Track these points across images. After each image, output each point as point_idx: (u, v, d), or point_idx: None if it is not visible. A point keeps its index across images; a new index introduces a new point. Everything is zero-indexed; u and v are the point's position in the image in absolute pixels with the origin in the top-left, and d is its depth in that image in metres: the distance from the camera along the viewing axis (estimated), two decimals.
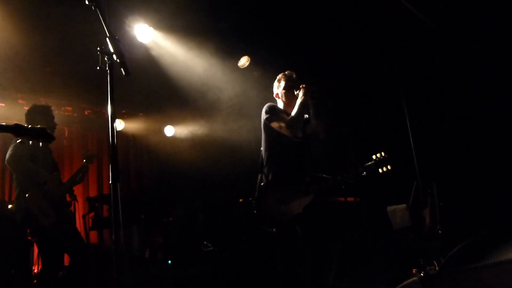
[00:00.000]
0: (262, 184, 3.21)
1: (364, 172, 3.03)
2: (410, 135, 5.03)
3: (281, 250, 3.13)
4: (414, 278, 1.72)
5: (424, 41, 4.86)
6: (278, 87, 3.50)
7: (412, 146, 5.02)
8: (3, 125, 1.89)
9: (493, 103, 4.52)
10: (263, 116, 3.33)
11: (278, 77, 3.52)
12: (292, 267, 3.10)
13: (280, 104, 3.48)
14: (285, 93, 3.41)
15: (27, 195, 3.25)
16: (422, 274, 1.74)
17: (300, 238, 3.09)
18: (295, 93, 3.28)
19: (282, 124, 3.20)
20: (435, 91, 5.05)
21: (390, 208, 4.93)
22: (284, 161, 3.19)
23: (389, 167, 2.99)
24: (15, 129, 1.92)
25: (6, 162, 3.33)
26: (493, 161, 4.51)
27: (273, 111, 3.31)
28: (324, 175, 3.16)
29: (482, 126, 4.63)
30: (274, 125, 3.24)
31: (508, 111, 4.38)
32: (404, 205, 4.81)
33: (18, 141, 3.44)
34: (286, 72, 3.50)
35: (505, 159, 4.37)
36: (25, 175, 3.34)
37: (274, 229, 3.10)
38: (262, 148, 3.39)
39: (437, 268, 3.07)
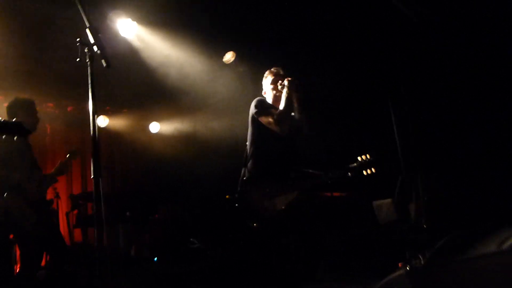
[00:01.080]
0: (245, 178, 3.19)
1: (349, 173, 3.04)
2: (395, 129, 5.06)
3: (265, 246, 3.13)
4: (401, 272, 1.71)
5: (407, 35, 4.88)
6: (266, 84, 3.49)
7: (397, 140, 5.05)
8: None
9: (480, 96, 4.56)
10: (252, 110, 3.32)
11: (265, 74, 3.52)
12: (277, 262, 3.10)
13: (269, 101, 3.47)
14: (272, 88, 3.40)
15: (5, 195, 3.16)
16: (408, 268, 1.74)
17: (282, 233, 3.09)
18: (279, 87, 3.27)
19: (271, 119, 3.20)
20: (421, 84, 5.08)
21: (376, 203, 4.95)
22: (269, 156, 3.18)
23: (373, 169, 2.99)
24: None
25: None
26: (478, 155, 4.55)
27: (262, 106, 3.31)
28: (310, 171, 3.15)
29: (466, 119, 4.68)
30: (263, 119, 3.23)
31: (491, 105, 4.43)
32: (390, 200, 4.84)
33: None
34: (273, 69, 3.49)
35: (490, 153, 4.42)
36: (6, 175, 3.24)
37: (255, 224, 3.06)
38: (247, 143, 3.37)
39: (422, 261, 3.09)
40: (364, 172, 2.98)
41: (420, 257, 3.42)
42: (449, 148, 4.87)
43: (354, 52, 5.32)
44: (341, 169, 3.07)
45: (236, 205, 3.13)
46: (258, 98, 3.39)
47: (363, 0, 4.67)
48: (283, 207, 2.98)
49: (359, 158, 3.02)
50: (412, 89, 5.10)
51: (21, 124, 1.93)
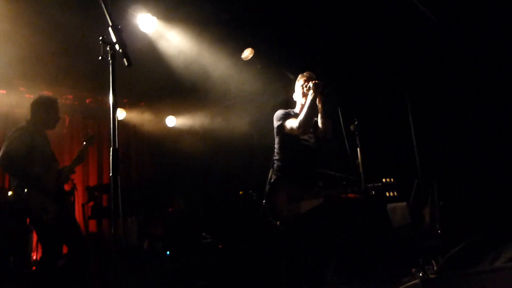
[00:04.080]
0: (272, 180, 3.29)
1: (373, 192, 3.14)
2: (413, 133, 5.01)
3: (285, 245, 3.24)
4: (416, 281, 1.71)
5: (428, 39, 4.81)
6: (297, 87, 3.51)
7: (414, 143, 5.00)
8: None
9: (497, 103, 4.49)
10: (275, 123, 3.40)
11: (298, 77, 3.52)
12: (294, 261, 3.17)
13: (298, 105, 3.50)
14: (301, 92, 3.43)
15: (25, 190, 3.22)
16: (421, 275, 1.73)
17: (303, 235, 3.17)
18: (305, 90, 3.28)
19: (294, 125, 3.24)
20: (439, 89, 5.01)
21: (390, 206, 4.92)
22: (295, 162, 3.27)
23: (395, 193, 3.12)
24: None
25: (2, 151, 3.28)
26: (495, 162, 4.48)
27: (282, 116, 3.37)
28: (338, 174, 3.23)
29: (485, 126, 4.60)
30: (286, 128, 3.31)
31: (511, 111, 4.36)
32: (404, 203, 4.80)
33: (17, 129, 3.41)
34: (305, 73, 3.49)
35: (507, 160, 4.35)
36: (19, 176, 3.30)
37: (278, 223, 3.18)
38: (275, 148, 3.44)
39: (435, 268, 3.07)
40: (387, 194, 3.05)
41: (434, 263, 3.40)
42: (467, 154, 4.80)
43: (373, 50, 5.27)
44: (366, 184, 3.16)
45: (263, 202, 3.26)
46: (278, 110, 3.44)
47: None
48: (306, 211, 3.11)
49: (383, 180, 3.13)
50: (431, 93, 5.04)
51: None
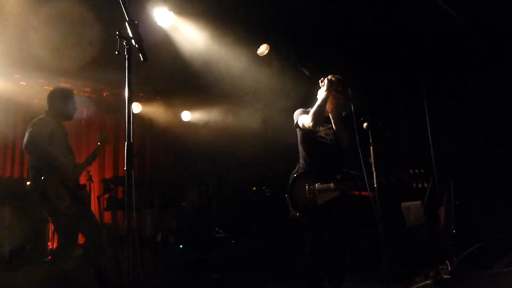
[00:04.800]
0: (296, 175, 3.41)
1: (401, 182, 3.07)
2: (429, 131, 4.94)
3: (305, 236, 3.32)
4: (428, 281, 1.69)
5: (449, 37, 4.73)
6: (320, 88, 3.49)
7: (430, 142, 4.93)
8: None
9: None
10: (295, 122, 3.47)
11: (321, 79, 3.49)
12: (313, 254, 3.27)
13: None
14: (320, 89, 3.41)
15: (42, 178, 3.29)
16: (433, 275, 1.71)
17: (320, 225, 3.28)
18: (320, 85, 3.29)
19: (305, 121, 3.30)
20: (456, 87, 4.93)
21: (405, 205, 4.87)
22: (315, 158, 3.37)
23: (425, 184, 3.01)
24: None
25: (23, 148, 3.36)
26: None
27: (298, 115, 3.45)
28: (357, 173, 3.21)
29: (503, 125, 4.51)
30: (300, 125, 3.39)
31: None
32: (419, 202, 4.75)
33: (38, 119, 3.48)
34: (331, 76, 3.44)
35: None
36: (42, 161, 3.37)
37: (297, 214, 3.29)
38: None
39: (449, 268, 3.03)
40: (414, 185, 3.00)
41: (448, 263, 3.35)
42: (484, 152, 4.72)
43: (392, 47, 5.21)
44: (391, 176, 3.08)
45: (286, 195, 3.40)
46: (297, 110, 3.50)
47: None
48: (324, 203, 3.20)
49: (411, 171, 3.02)
50: (448, 90, 4.96)
51: None
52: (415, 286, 1.69)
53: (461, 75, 4.86)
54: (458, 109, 4.90)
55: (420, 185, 3.01)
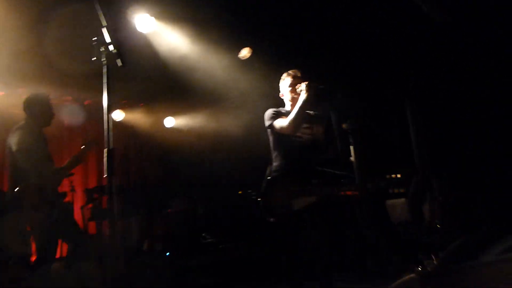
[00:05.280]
0: (269, 177, 3.29)
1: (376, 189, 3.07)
2: (411, 127, 5.00)
3: (282, 242, 3.31)
4: (412, 275, 1.71)
5: (423, 35, 4.80)
6: (283, 86, 3.49)
7: (413, 139, 4.99)
8: None
9: (493, 98, 4.48)
10: (265, 123, 3.38)
11: (282, 76, 3.50)
12: (293, 258, 3.23)
13: (286, 103, 3.49)
14: (290, 91, 3.41)
15: (16, 189, 3.22)
16: (419, 269, 1.74)
17: (296, 231, 3.19)
18: (297, 90, 3.26)
19: (283, 125, 3.23)
20: (436, 83, 5.00)
21: (389, 202, 4.92)
22: (290, 160, 3.26)
23: (401, 190, 3.01)
24: None
25: (15, 151, 3.29)
26: (495, 157, 4.48)
27: (272, 116, 3.34)
28: (336, 172, 3.20)
29: (485, 120, 4.59)
30: (276, 127, 3.29)
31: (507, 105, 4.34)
32: (403, 199, 4.80)
33: (20, 126, 3.41)
34: (290, 71, 3.47)
35: (507, 155, 4.34)
36: (28, 167, 3.30)
37: (272, 219, 3.18)
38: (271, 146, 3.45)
39: (435, 263, 3.07)
40: (391, 191, 3.00)
41: (433, 258, 3.39)
42: (465, 148, 4.80)
43: (369, 51, 5.27)
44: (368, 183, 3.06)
45: (259, 199, 3.25)
46: (267, 110, 3.41)
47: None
48: (301, 208, 3.09)
49: (387, 176, 3.01)
50: (428, 88, 5.03)
51: None
52: (400, 280, 1.71)
53: (441, 73, 4.93)
54: (440, 105, 4.96)
55: (396, 191, 3.00)
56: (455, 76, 4.73)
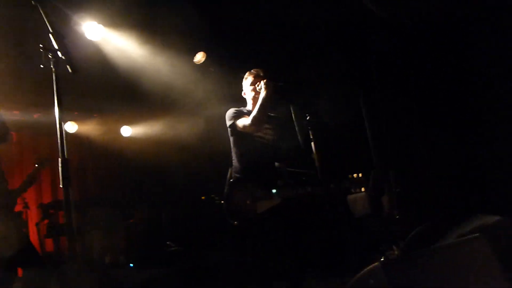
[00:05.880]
0: (231, 180, 3.27)
1: (339, 190, 3.10)
2: (366, 123, 5.14)
3: (245, 244, 3.28)
4: (376, 264, 1.76)
5: (381, 33, 4.95)
6: (245, 85, 3.49)
7: (369, 134, 5.13)
8: None
9: (446, 93, 4.68)
10: (227, 122, 3.37)
11: (245, 75, 3.50)
12: (257, 259, 3.21)
13: (248, 102, 3.49)
14: (251, 90, 3.41)
15: None
16: (383, 259, 1.79)
17: (261, 234, 3.16)
18: (257, 89, 3.27)
19: (246, 123, 3.22)
20: (390, 80, 5.16)
21: (350, 197, 5.03)
22: (252, 160, 3.24)
23: (362, 189, 3.04)
24: None
25: None
26: (447, 149, 4.67)
27: (234, 115, 3.34)
28: (298, 170, 3.21)
29: (437, 114, 4.78)
30: (238, 126, 3.27)
31: (462, 99, 4.53)
32: (363, 193, 4.91)
33: None
34: (253, 70, 3.49)
35: (460, 147, 4.54)
36: None
37: (235, 222, 3.16)
38: (231, 148, 3.42)
39: (396, 252, 3.17)
40: (352, 190, 3.04)
41: (395, 247, 3.50)
42: (419, 142, 4.98)
43: (327, 48, 5.36)
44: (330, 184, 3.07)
45: (221, 202, 3.25)
46: (229, 109, 3.40)
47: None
48: (264, 210, 3.08)
49: (349, 176, 3.03)
50: (384, 84, 5.18)
51: None
52: (364, 270, 1.75)
53: (401, 67, 5.07)
54: (396, 98, 5.11)
55: (357, 190, 3.04)
56: (412, 64, 4.89)
